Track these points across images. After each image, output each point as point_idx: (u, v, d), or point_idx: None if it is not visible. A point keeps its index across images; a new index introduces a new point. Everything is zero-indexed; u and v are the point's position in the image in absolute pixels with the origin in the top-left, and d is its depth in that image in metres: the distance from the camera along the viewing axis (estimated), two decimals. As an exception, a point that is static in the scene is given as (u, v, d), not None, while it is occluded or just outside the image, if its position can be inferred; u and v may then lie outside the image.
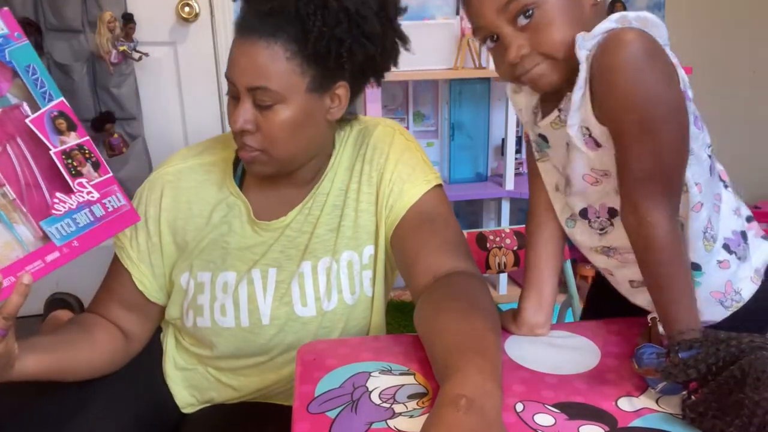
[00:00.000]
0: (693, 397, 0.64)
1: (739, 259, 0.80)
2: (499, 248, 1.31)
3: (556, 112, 0.79)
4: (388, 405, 0.69)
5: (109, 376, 0.94)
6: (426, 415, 0.60)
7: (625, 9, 2.36)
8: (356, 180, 0.98)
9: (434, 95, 2.54)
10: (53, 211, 0.75)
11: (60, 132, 0.75)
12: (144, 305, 1.00)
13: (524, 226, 0.99)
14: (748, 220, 0.86)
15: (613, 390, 0.71)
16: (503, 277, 2.49)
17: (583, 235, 0.86)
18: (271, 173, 0.93)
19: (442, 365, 0.67)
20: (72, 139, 0.75)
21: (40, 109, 0.73)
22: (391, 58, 0.96)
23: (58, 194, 0.75)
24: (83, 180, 0.76)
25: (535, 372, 0.75)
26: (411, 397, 0.70)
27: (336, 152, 1.00)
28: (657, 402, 0.68)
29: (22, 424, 0.87)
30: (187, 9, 2.19)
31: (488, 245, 1.30)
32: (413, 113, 2.56)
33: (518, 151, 2.50)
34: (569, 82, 0.73)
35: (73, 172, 0.75)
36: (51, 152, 0.74)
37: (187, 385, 1.04)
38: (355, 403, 0.69)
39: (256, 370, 0.99)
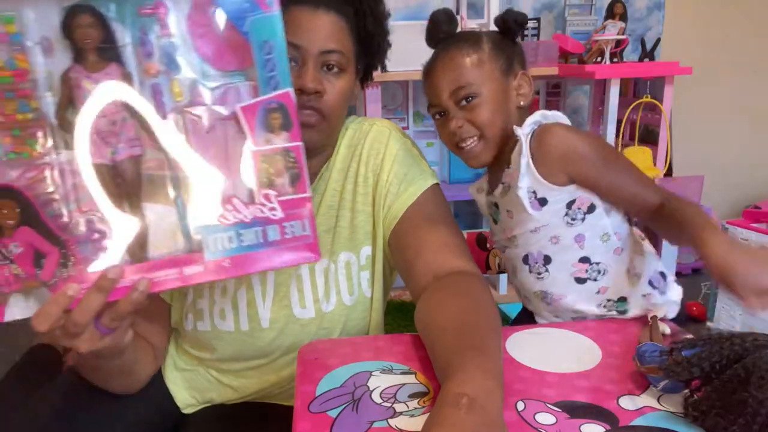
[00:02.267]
0: (695, 395, 0.64)
1: (661, 293, 0.96)
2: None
3: (500, 186, 0.99)
4: (389, 404, 0.68)
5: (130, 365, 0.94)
6: (427, 415, 0.60)
7: (624, 9, 2.37)
8: (352, 181, 0.98)
9: (434, 95, 2.54)
10: (220, 219, 0.63)
11: (270, 129, 0.63)
12: (164, 311, 0.99)
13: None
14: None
15: (615, 388, 0.71)
16: (503, 277, 2.48)
17: (523, 280, 1.02)
18: (317, 144, 0.94)
19: (443, 364, 0.67)
20: (280, 141, 0.63)
21: (258, 95, 0.62)
22: (384, 58, 1.03)
23: (234, 200, 0.63)
24: (272, 192, 0.63)
25: (536, 370, 0.75)
26: (412, 396, 0.70)
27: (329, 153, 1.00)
28: (658, 400, 0.68)
29: (21, 421, 0.87)
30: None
31: (488, 246, 1.30)
32: (413, 113, 2.56)
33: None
34: (497, 161, 0.99)
35: (264, 180, 0.62)
36: (249, 150, 0.62)
37: (188, 386, 1.04)
38: (356, 403, 0.69)
39: (257, 372, 0.99)
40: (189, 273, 0.63)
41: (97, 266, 0.63)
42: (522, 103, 1.00)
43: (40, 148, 0.61)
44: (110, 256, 0.63)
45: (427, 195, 0.95)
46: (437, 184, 0.99)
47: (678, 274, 2.58)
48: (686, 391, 0.66)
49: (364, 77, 1.03)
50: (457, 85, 0.96)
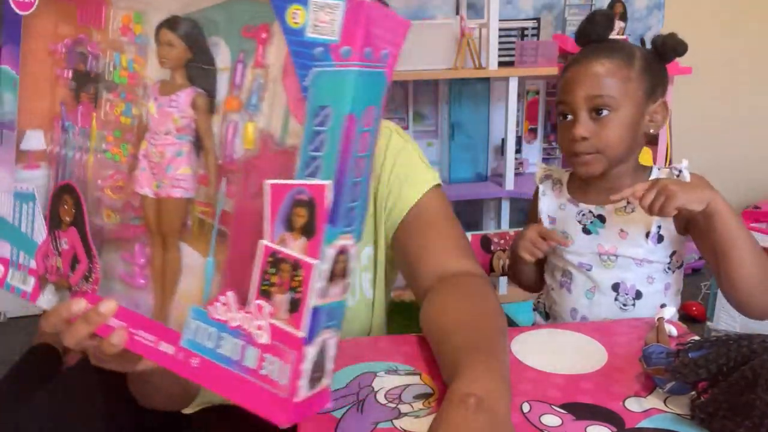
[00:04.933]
0: (702, 397, 0.64)
1: None
2: (504, 251, 1.30)
3: (624, 202, 0.96)
4: (393, 405, 0.68)
5: (109, 376, 0.94)
6: (432, 416, 0.60)
7: (624, 9, 2.37)
8: None
9: (434, 95, 2.54)
10: (209, 308, 0.52)
11: (290, 227, 0.47)
12: None
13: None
14: None
15: (621, 390, 0.70)
16: (503, 278, 2.48)
17: (600, 307, 1.02)
18: None
19: (450, 365, 0.66)
20: (295, 248, 0.47)
21: (293, 177, 0.47)
22: None
23: (229, 293, 0.51)
24: (267, 306, 0.49)
25: (542, 372, 0.75)
26: (417, 397, 0.70)
27: None
28: (665, 402, 0.68)
29: (20, 419, 0.86)
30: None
31: (492, 248, 1.30)
32: (413, 113, 2.56)
33: (518, 151, 2.50)
34: (612, 177, 0.99)
35: (264, 287, 0.49)
36: (262, 242, 0.49)
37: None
38: (361, 403, 0.68)
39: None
40: (161, 349, 0.55)
41: (103, 294, 0.62)
42: (652, 130, 0.99)
43: (127, 155, 0.59)
44: (139, 295, 0.60)
45: (430, 196, 0.95)
46: (439, 184, 0.98)
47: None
48: (693, 393, 0.65)
49: None
50: (598, 92, 0.93)
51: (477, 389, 0.58)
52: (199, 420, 1.02)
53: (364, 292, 0.97)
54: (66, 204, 0.61)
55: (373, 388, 0.71)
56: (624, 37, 2.24)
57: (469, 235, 1.02)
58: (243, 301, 0.51)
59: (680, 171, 0.95)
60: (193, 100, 0.55)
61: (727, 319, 2.06)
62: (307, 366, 0.48)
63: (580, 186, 1.06)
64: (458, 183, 2.53)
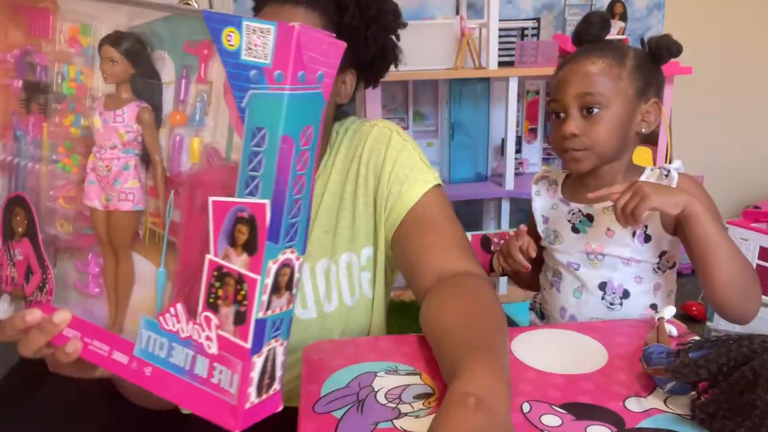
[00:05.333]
0: (702, 397, 0.64)
1: None
2: (503, 251, 1.29)
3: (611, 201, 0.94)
4: (394, 405, 0.68)
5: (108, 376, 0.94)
6: (432, 416, 0.59)
7: (624, 9, 2.37)
8: (352, 182, 0.97)
9: (434, 95, 2.54)
10: (161, 319, 0.53)
11: (232, 242, 0.48)
12: None
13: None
14: None
15: (621, 390, 0.70)
16: (503, 278, 2.48)
17: (588, 306, 1.03)
18: None
19: (449, 364, 0.67)
20: (238, 264, 0.48)
21: (233, 195, 0.48)
22: (391, 62, 1.00)
23: (178, 305, 0.52)
24: (214, 319, 0.50)
25: (542, 372, 0.75)
26: (417, 397, 0.70)
27: (328, 154, 1.00)
28: (665, 402, 0.68)
29: (20, 419, 0.86)
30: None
31: (492, 248, 1.30)
32: (413, 113, 2.56)
33: (518, 151, 2.50)
34: (601, 175, 1.00)
35: (210, 301, 0.50)
36: (207, 256, 0.50)
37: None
38: (361, 403, 0.68)
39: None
40: (115, 358, 0.56)
41: (57, 303, 0.62)
42: (644, 130, 0.99)
43: (77, 166, 0.60)
44: (93, 303, 0.61)
45: (430, 196, 0.95)
46: (439, 185, 0.98)
47: (678, 274, 2.58)
48: (693, 393, 0.65)
49: (364, 75, 1.01)
50: (587, 90, 0.95)
51: (477, 389, 0.58)
52: (201, 420, 1.02)
53: (363, 292, 0.97)
54: (18, 215, 0.61)
55: (373, 388, 0.71)
56: (624, 37, 2.24)
57: (469, 235, 1.02)
58: (192, 312, 0.51)
59: (669, 171, 0.96)
60: (138, 114, 0.56)
61: (727, 319, 2.06)
62: (254, 374, 0.50)
63: (573, 186, 1.07)
64: (458, 183, 2.53)
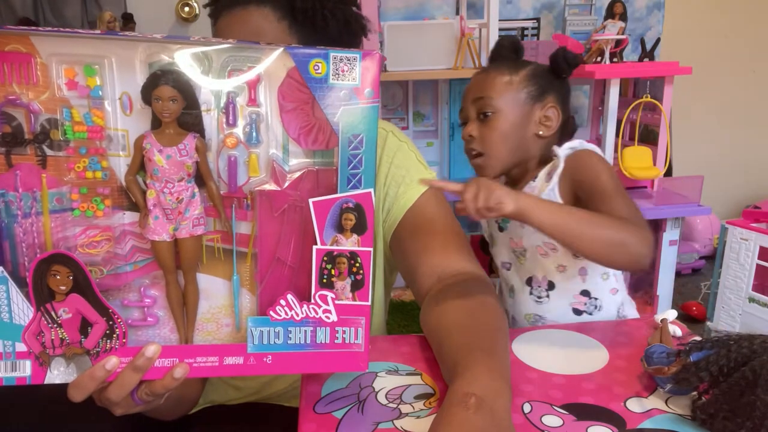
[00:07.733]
0: (703, 398, 0.64)
1: None
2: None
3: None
4: (394, 405, 0.68)
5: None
6: (433, 416, 0.60)
7: (624, 9, 2.37)
8: None
9: (434, 95, 2.54)
10: (271, 313, 0.61)
11: (340, 229, 0.60)
12: None
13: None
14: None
15: (622, 391, 0.70)
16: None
17: (521, 304, 1.06)
18: None
19: (450, 364, 0.67)
20: (349, 244, 0.60)
21: (337, 190, 0.59)
22: (360, 33, 0.94)
23: (289, 296, 0.61)
24: (330, 295, 0.61)
25: (543, 372, 0.75)
26: (418, 397, 0.70)
27: None
28: (666, 403, 0.68)
29: (20, 419, 0.87)
30: (186, 9, 2.19)
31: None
32: (413, 113, 2.56)
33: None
34: (516, 178, 1.05)
35: (324, 281, 0.61)
36: (314, 247, 0.60)
37: (189, 386, 1.03)
38: (362, 404, 0.68)
39: (259, 374, 0.98)
40: (229, 363, 0.62)
41: (139, 341, 0.62)
42: (541, 132, 1.02)
43: (104, 208, 0.59)
44: (154, 333, 0.62)
45: (428, 196, 0.95)
46: (437, 185, 0.98)
47: (678, 274, 2.59)
48: (694, 393, 0.65)
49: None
50: (480, 94, 1.00)
51: (477, 389, 0.58)
52: (201, 420, 1.02)
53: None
54: (58, 274, 0.60)
55: (373, 389, 0.71)
56: (624, 37, 2.23)
57: (468, 235, 1.02)
58: (304, 296, 0.61)
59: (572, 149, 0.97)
60: (197, 144, 0.60)
61: (727, 319, 2.06)
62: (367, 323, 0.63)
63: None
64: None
